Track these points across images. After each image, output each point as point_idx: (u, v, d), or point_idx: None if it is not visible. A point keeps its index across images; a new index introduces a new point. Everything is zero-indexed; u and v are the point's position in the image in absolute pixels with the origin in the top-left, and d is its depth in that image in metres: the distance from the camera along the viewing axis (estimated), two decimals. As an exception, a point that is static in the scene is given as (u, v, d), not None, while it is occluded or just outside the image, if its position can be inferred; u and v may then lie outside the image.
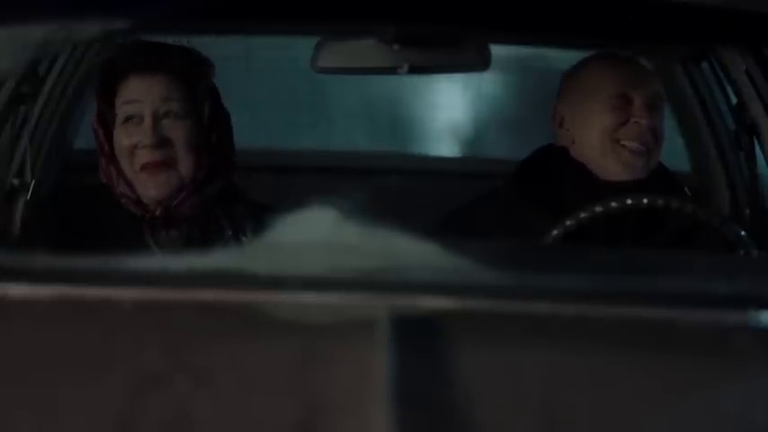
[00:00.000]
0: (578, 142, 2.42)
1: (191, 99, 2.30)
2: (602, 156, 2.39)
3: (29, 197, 2.67)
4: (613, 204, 2.21)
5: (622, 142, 2.38)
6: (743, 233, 2.26)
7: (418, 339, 1.13)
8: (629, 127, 2.38)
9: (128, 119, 2.28)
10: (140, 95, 2.28)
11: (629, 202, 2.22)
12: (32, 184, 2.69)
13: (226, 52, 2.41)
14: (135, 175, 2.27)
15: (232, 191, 2.37)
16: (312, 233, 1.28)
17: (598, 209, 2.20)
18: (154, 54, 2.31)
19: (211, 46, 2.41)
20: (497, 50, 2.70)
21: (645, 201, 2.22)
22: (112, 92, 2.30)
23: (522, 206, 2.38)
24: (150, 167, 2.26)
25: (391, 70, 2.63)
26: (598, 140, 2.39)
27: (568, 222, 2.18)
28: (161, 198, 2.27)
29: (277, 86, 4.56)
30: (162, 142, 2.26)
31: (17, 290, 1.23)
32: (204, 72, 2.36)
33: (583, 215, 2.19)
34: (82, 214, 2.31)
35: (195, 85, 2.32)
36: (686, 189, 3.16)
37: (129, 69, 2.29)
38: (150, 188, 2.27)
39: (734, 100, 2.81)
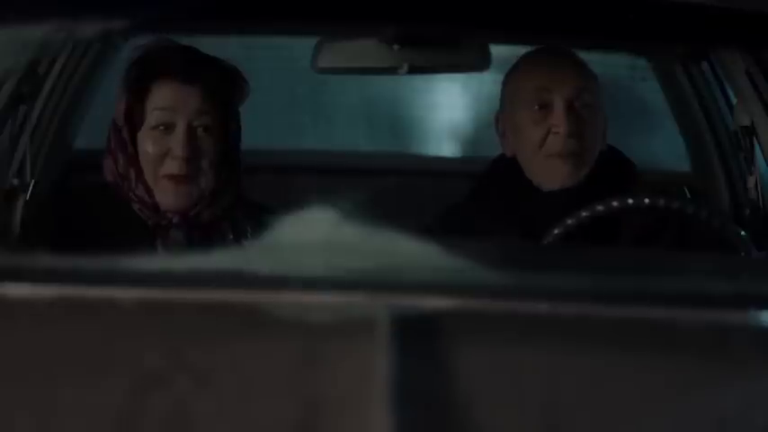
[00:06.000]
0: (517, 154, 2.41)
1: (222, 114, 2.29)
2: (536, 168, 2.37)
3: (29, 197, 2.67)
4: (614, 204, 2.21)
5: (548, 154, 2.35)
6: (743, 233, 2.26)
7: (418, 339, 1.13)
8: (550, 140, 2.34)
9: (159, 125, 2.26)
10: (176, 104, 2.25)
11: (630, 201, 2.21)
12: (32, 184, 2.68)
13: (226, 52, 2.41)
14: (156, 182, 2.26)
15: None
16: (312, 233, 1.28)
17: (599, 208, 2.20)
18: (193, 62, 2.29)
19: (211, 46, 2.40)
20: (497, 50, 2.70)
21: (646, 201, 2.22)
22: (146, 90, 2.27)
23: (481, 222, 2.37)
24: (175, 178, 2.25)
25: (391, 70, 2.63)
26: (530, 154, 2.38)
27: (569, 221, 2.18)
28: (179, 208, 2.27)
29: (277, 86, 4.56)
30: (192, 154, 2.25)
31: (17, 290, 1.23)
32: (239, 89, 2.35)
33: (584, 214, 2.19)
34: (82, 214, 2.31)
35: (228, 101, 2.31)
36: (686, 189, 3.18)
37: (167, 72, 2.27)
38: (170, 197, 2.26)
39: (734, 100, 2.81)
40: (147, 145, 2.26)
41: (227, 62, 2.35)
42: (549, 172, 2.36)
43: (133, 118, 2.28)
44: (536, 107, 2.37)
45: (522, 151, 2.39)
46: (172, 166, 2.25)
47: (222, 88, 2.30)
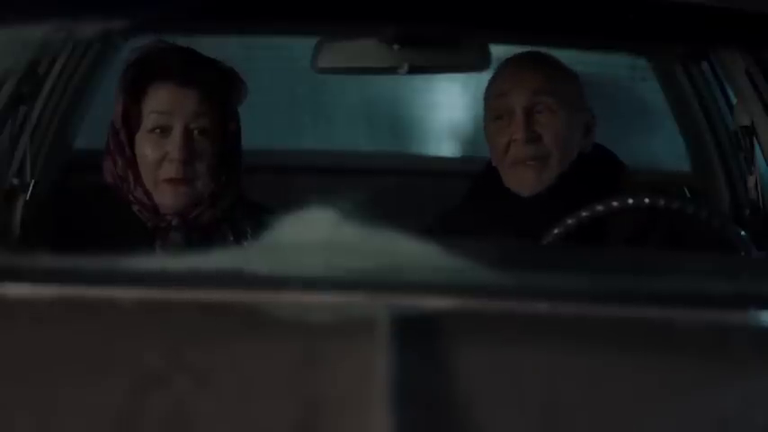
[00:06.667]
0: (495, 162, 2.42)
1: (220, 116, 2.29)
2: (506, 176, 2.38)
3: (29, 197, 2.67)
4: (615, 204, 2.21)
5: (511, 162, 2.36)
6: (743, 233, 2.26)
7: (418, 339, 1.13)
8: (512, 148, 2.35)
9: (156, 128, 2.26)
10: (173, 107, 2.25)
11: (630, 201, 2.21)
12: (32, 184, 2.68)
13: (226, 52, 2.41)
14: (155, 185, 2.26)
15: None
16: (312, 233, 1.28)
17: (599, 208, 2.20)
18: (190, 64, 2.29)
19: (211, 46, 2.40)
20: (497, 50, 2.70)
21: (646, 201, 2.22)
22: (143, 93, 2.27)
23: (474, 226, 2.37)
24: (174, 181, 2.25)
25: (391, 70, 2.64)
26: (499, 164, 2.39)
27: (569, 221, 2.18)
28: (177, 209, 2.27)
29: (277, 86, 4.56)
30: (190, 157, 2.24)
31: (17, 290, 1.23)
32: (236, 91, 2.35)
33: (584, 214, 2.19)
34: (82, 215, 2.31)
35: (226, 103, 2.31)
36: (686, 189, 3.18)
37: (164, 75, 2.26)
38: (169, 199, 2.26)
39: (734, 100, 2.81)
40: (145, 148, 2.26)
41: (224, 63, 2.35)
42: (516, 179, 2.36)
43: (130, 120, 2.28)
44: (499, 117, 2.38)
45: (495, 161, 2.40)
46: (169, 170, 2.24)
47: (219, 90, 2.30)
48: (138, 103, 2.27)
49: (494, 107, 2.39)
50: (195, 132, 2.25)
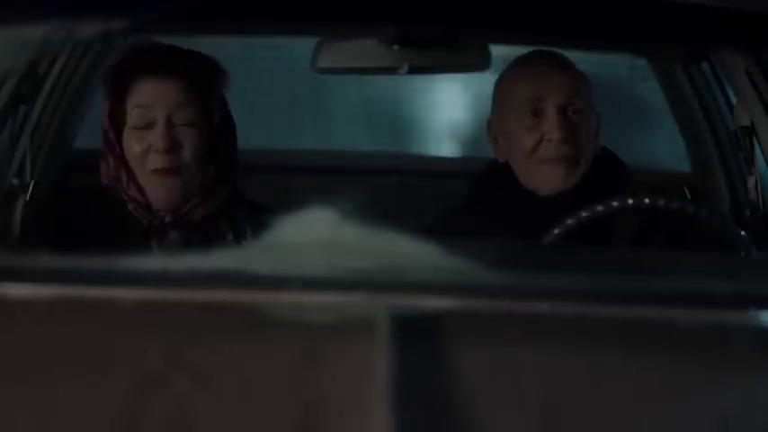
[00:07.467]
0: (510, 159, 2.41)
1: (203, 106, 2.29)
2: (529, 174, 2.37)
3: (29, 197, 2.67)
4: (614, 204, 2.21)
5: (541, 160, 2.35)
6: (743, 233, 2.26)
7: (418, 339, 1.13)
8: (544, 146, 2.35)
9: (140, 123, 2.28)
10: (154, 100, 2.27)
11: (630, 201, 2.21)
12: (32, 184, 2.68)
13: (226, 52, 2.41)
14: (146, 179, 2.27)
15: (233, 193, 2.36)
16: (312, 233, 1.28)
17: (599, 208, 2.20)
18: (169, 57, 2.30)
19: (211, 46, 2.40)
20: (497, 50, 2.70)
21: (646, 201, 2.22)
22: (125, 90, 2.29)
23: (477, 226, 2.37)
24: (160, 172, 2.26)
25: (391, 70, 2.64)
26: (522, 160, 2.38)
27: (570, 222, 2.18)
28: (171, 204, 2.27)
29: (277, 86, 4.56)
30: (174, 147, 2.25)
31: (17, 290, 1.23)
32: (217, 79, 2.35)
33: (584, 215, 2.19)
34: (82, 215, 2.31)
35: (208, 92, 2.32)
36: (686, 189, 3.18)
37: (144, 70, 2.28)
38: (160, 192, 2.26)
39: (734, 100, 2.81)
40: (131, 143, 2.28)
41: (205, 54, 2.35)
42: (543, 177, 2.36)
43: (117, 119, 2.30)
44: (528, 114, 2.37)
45: (514, 157, 2.39)
46: (155, 161, 2.26)
47: (200, 80, 2.31)
48: (123, 101, 2.29)
49: (523, 106, 2.38)
50: (178, 123, 2.27)
